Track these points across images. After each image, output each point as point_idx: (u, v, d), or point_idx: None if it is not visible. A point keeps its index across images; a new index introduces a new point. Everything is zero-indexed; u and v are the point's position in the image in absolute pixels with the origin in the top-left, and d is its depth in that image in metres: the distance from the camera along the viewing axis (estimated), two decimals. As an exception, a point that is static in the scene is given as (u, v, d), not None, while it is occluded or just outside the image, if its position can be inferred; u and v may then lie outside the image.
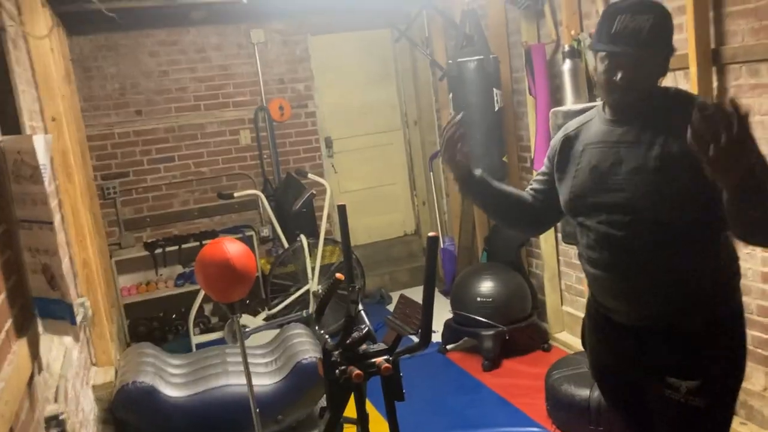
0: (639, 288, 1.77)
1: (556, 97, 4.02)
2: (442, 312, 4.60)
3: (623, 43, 1.66)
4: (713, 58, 2.98)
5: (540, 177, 2.06)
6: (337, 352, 2.13)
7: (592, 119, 1.90)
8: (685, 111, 1.67)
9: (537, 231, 2.17)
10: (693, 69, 2.93)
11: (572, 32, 3.78)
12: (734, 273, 1.83)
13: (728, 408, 1.82)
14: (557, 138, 1.99)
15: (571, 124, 1.97)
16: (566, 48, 3.68)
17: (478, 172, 2.04)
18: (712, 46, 2.98)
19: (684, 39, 2.95)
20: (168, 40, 5.41)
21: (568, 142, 1.93)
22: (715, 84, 3.02)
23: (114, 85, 5.30)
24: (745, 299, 1.92)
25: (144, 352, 3.65)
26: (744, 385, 1.90)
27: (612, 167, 1.76)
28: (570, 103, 3.62)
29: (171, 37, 5.41)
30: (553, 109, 3.57)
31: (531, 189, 2.09)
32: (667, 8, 1.76)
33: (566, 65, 3.65)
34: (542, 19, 4.15)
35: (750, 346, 2.85)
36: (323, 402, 3.42)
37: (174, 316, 5.30)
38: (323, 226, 5.19)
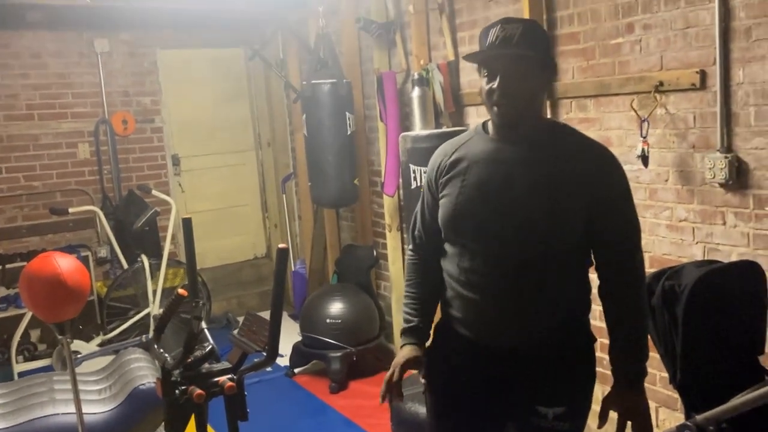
0: (522, 310, 1.76)
1: (405, 123, 4.15)
2: (291, 335, 4.55)
3: (497, 49, 1.72)
4: (548, 93, 3.22)
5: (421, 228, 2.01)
6: (177, 372, 2.02)
7: (472, 138, 1.86)
8: (569, 142, 1.79)
9: None
10: (530, 101, 3.13)
11: (421, 62, 3.93)
12: (591, 300, 1.89)
13: (583, 430, 1.87)
14: (434, 163, 1.90)
15: (449, 146, 1.90)
16: (416, 76, 3.81)
17: (413, 340, 1.96)
18: (547, 81, 3.22)
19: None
20: (-2, 42, 5.00)
21: (451, 163, 1.85)
22: (549, 117, 3.25)
23: (-69, 87, 4.81)
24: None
25: (-45, 382, 3.28)
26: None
27: (502, 187, 1.74)
28: (418, 129, 3.74)
29: (2, 39, 4.99)
30: (402, 134, 3.68)
31: (419, 241, 2.06)
32: (538, 22, 1.86)
33: (415, 92, 3.78)
34: (394, 48, 4.29)
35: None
36: (162, 430, 3.24)
37: (-6, 342, 4.83)
38: (167, 246, 4.95)
